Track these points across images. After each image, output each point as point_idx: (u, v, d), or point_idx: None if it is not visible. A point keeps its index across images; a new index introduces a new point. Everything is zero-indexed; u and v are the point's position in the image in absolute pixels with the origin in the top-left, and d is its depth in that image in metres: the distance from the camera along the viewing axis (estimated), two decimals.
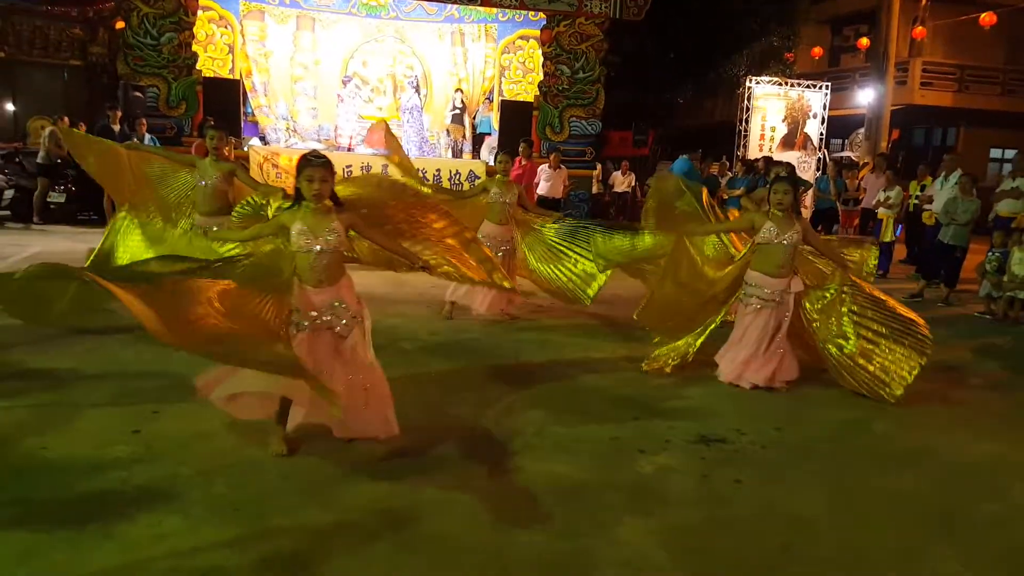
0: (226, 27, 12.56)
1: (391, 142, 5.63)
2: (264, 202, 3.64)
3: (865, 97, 17.12)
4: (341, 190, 3.35)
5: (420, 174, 10.96)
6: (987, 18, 14.35)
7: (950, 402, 4.57)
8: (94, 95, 15.60)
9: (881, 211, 9.95)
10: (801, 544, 2.73)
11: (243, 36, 12.72)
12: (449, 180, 11.96)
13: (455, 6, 12.69)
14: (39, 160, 10.00)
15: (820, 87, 16.14)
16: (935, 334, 4.40)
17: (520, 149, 9.35)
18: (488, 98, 13.76)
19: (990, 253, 7.64)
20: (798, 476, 3.34)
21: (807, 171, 15.11)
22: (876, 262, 5.24)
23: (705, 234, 4.87)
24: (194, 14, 11.52)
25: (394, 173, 5.46)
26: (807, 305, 4.56)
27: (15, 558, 2.33)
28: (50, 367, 4.14)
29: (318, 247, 3.10)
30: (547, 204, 10.06)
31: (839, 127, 18.85)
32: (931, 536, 2.85)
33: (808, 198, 11.98)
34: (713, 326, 4.81)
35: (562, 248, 5.76)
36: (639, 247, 5.08)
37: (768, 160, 10.93)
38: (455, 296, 5.75)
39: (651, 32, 17.44)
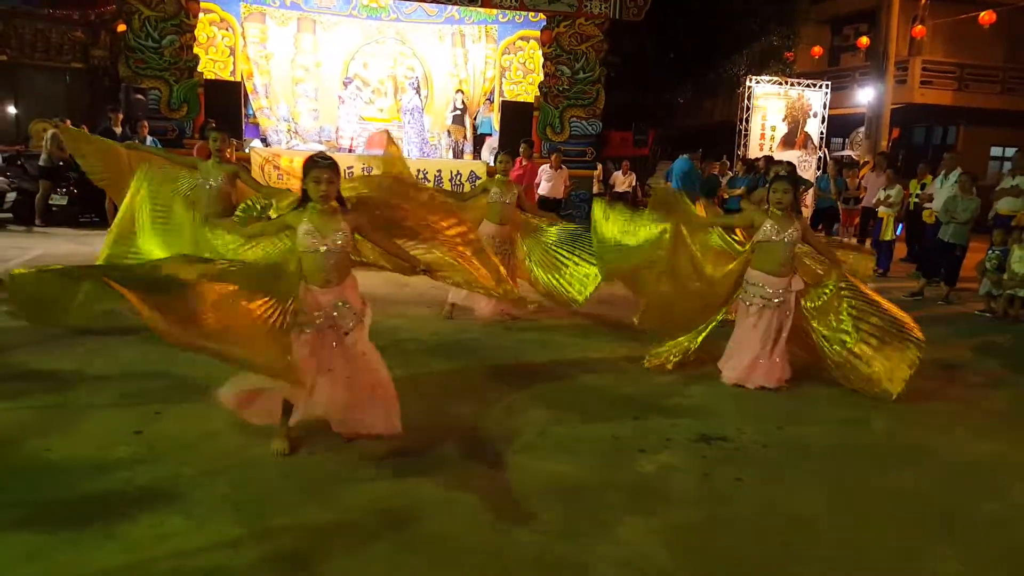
0: (227, 29, 12.59)
1: (392, 151, 5.65)
2: (267, 203, 3.67)
3: (865, 96, 17.11)
4: (349, 191, 3.37)
5: (421, 175, 11.01)
6: (986, 17, 14.35)
7: (950, 400, 4.58)
8: (96, 98, 15.63)
9: (881, 210, 9.96)
10: (801, 543, 2.74)
11: (244, 38, 12.76)
12: (450, 181, 11.99)
13: (455, 7, 12.71)
14: (41, 163, 10.02)
15: (820, 86, 16.14)
16: (935, 332, 4.41)
17: (521, 150, 9.36)
18: (489, 99, 13.78)
19: (990, 251, 7.64)
20: (799, 475, 3.35)
21: (808, 170, 15.11)
22: (872, 272, 5.25)
23: (704, 226, 4.88)
24: (195, 17, 11.54)
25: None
26: (806, 304, 4.57)
27: (19, 558, 2.35)
28: (53, 368, 4.16)
29: (325, 247, 3.12)
30: (548, 204, 10.08)
31: (839, 126, 18.85)
32: (931, 536, 2.86)
33: (809, 197, 11.99)
34: (714, 324, 4.84)
35: (561, 253, 5.76)
36: (639, 235, 4.92)
37: (769, 159, 10.94)
38: (456, 298, 5.77)
39: (651, 32, 17.46)
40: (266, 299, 3.04)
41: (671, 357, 4.80)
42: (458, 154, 13.42)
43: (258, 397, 3.20)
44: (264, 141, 12.71)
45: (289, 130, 13.11)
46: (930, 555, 2.72)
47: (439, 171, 12.04)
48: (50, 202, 10.14)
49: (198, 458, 3.10)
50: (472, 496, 2.91)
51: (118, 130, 10.01)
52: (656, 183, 16.29)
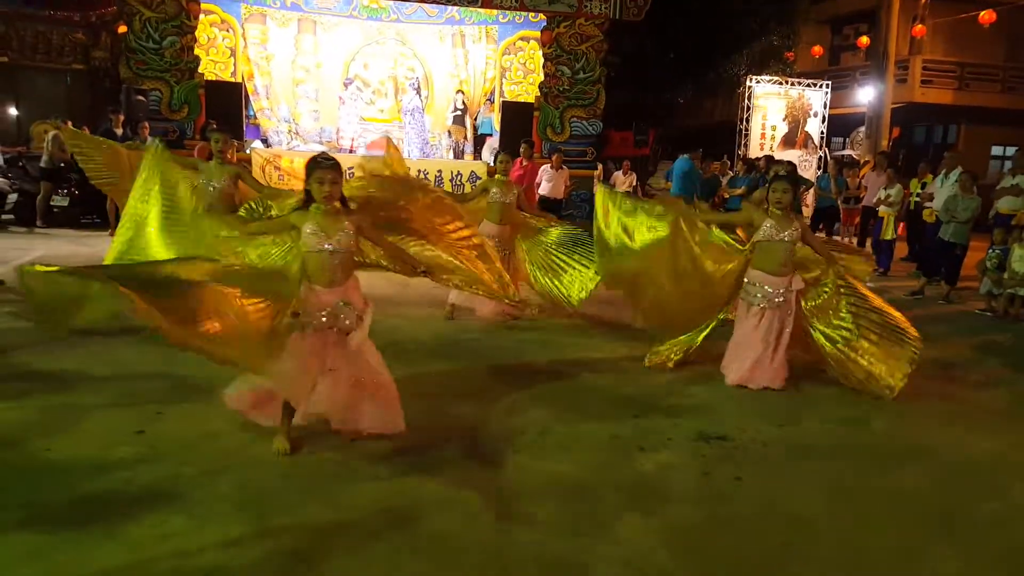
0: (228, 30, 12.61)
1: (392, 152, 5.65)
2: (269, 205, 3.69)
3: (865, 95, 17.11)
4: (358, 190, 3.39)
5: (421, 176, 11.01)
6: (986, 16, 14.34)
7: (951, 399, 4.58)
8: (97, 99, 15.65)
9: (882, 209, 9.96)
10: (801, 542, 2.75)
11: (245, 39, 12.77)
12: (451, 181, 12.00)
13: (456, 8, 12.72)
14: (42, 164, 10.04)
15: (820, 86, 16.16)
16: (936, 331, 4.42)
17: (521, 150, 9.36)
18: (489, 99, 13.79)
19: (990, 250, 7.65)
20: (798, 473, 3.35)
21: (808, 170, 15.12)
22: (870, 273, 5.26)
23: (704, 222, 4.88)
24: (196, 18, 11.56)
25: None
26: (806, 303, 4.58)
27: (21, 558, 2.36)
28: (54, 368, 4.17)
29: (331, 247, 3.14)
30: (549, 204, 10.09)
31: (840, 126, 18.85)
32: (931, 535, 2.86)
33: (809, 197, 11.99)
34: (714, 323, 4.84)
35: (560, 256, 5.77)
36: (640, 230, 4.88)
37: (769, 159, 10.94)
38: (457, 299, 5.77)
39: (651, 32, 17.48)
40: (265, 301, 3.06)
41: (672, 355, 4.81)
42: (459, 154, 13.43)
43: (267, 398, 3.21)
44: (265, 142, 12.73)
45: (290, 131, 13.13)
46: (930, 554, 2.72)
47: (439, 171, 12.05)
48: (51, 203, 10.16)
49: (199, 458, 3.11)
50: (473, 495, 2.92)
51: (119, 131, 10.03)
52: (657, 183, 16.31)
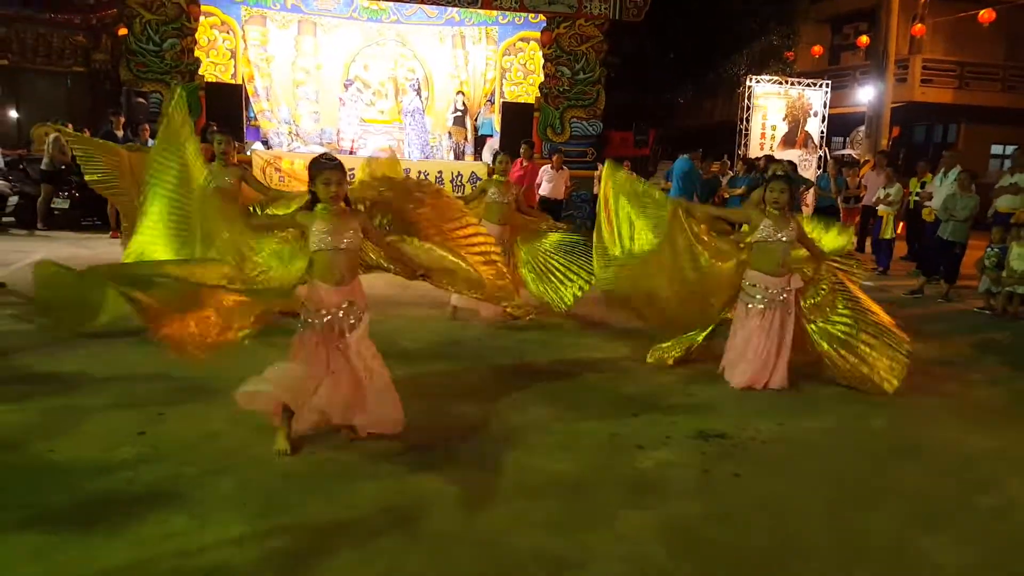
0: (228, 32, 12.64)
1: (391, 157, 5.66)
2: (269, 212, 3.73)
3: (865, 95, 17.12)
4: (370, 192, 3.42)
5: (422, 177, 11.02)
6: (986, 15, 14.35)
7: (950, 397, 4.59)
8: (97, 102, 15.68)
9: (881, 208, 9.98)
10: (799, 537, 2.76)
11: (245, 41, 12.80)
12: (451, 182, 12.01)
13: (455, 9, 12.74)
14: (43, 166, 10.06)
15: (820, 85, 16.15)
16: (935, 329, 4.44)
17: (521, 150, 9.38)
18: (489, 100, 13.81)
19: (989, 249, 7.66)
20: (797, 470, 3.37)
21: (808, 169, 15.12)
22: (863, 279, 5.28)
23: (702, 215, 4.89)
24: (196, 20, 11.59)
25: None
26: (804, 301, 4.59)
27: (24, 558, 2.37)
28: (56, 370, 4.19)
29: (342, 246, 3.17)
30: (549, 205, 10.10)
31: (840, 125, 18.86)
32: (928, 528, 2.88)
33: (809, 196, 12.00)
34: (714, 325, 4.86)
35: (556, 262, 5.79)
36: (651, 214, 4.84)
37: (769, 158, 10.95)
38: (459, 300, 5.78)
39: (651, 33, 17.52)
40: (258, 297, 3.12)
41: (672, 353, 4.84)
42: (459, 155, 13.45)
43: (317, 393, 3.20)
44: (265, 144, 12.75)
45: (290, 132, 13.15)
46: (927, 547, 2.74)
47: (440, 172, 12.07)
48: (52, 206, 10.18)
49: (200, 458, 3.13)
50: (473, 493, 2.94)
51: (120, 133, 10.05)
52: (657, 184, 16.30)
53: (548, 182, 10.63)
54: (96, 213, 10.30)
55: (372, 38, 13.42)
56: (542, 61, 12.91)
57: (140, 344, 4.76)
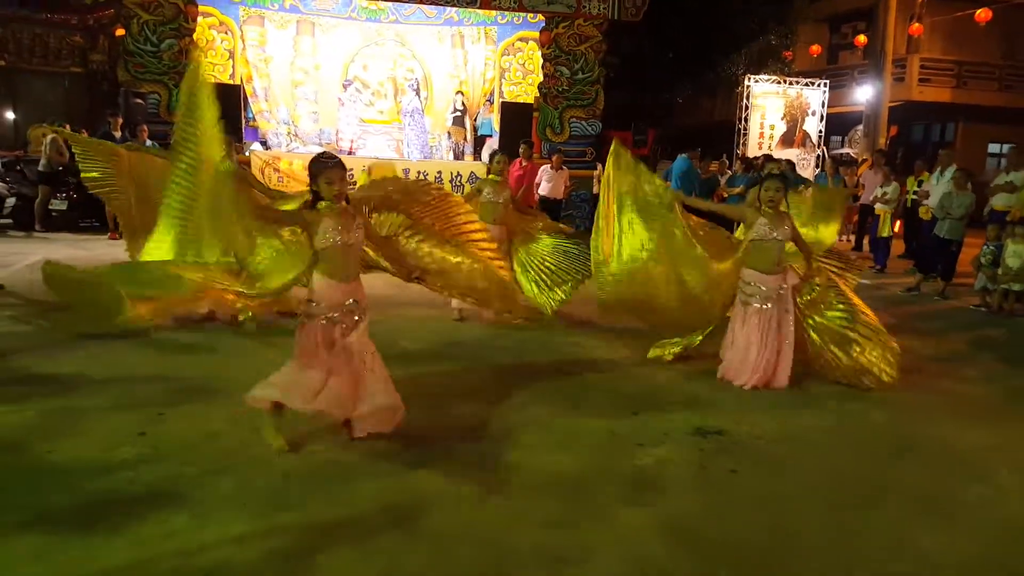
0: (226, 33, 12.63)
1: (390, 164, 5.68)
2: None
3: (863, 94, 17.15)
4: (367, 191, 3.44)
5: (421, 177, 11.04)
6: (982, 14, 14.39)
7: (946, 393, 4.62)
8: (95, 102, 15.67)
9: (879, 207, 10.01)
10: (795, 530, 2.79)
11: (243, 41, 12.79)
12: (451, 182, 12.02)
13: (454, 9, 12.75)
14: (40, 168, 10.06)
15: (818, 85, 16.18)
16: (932, 327, 4.46)
17: (520, 150, 9.38)
18: (489, 100, 13.82)
19: (985, 247, 7.68)
20: (795, 467, 3.39)
21: (806, 168, 15.14)
22: (858, 282, 5.31)
23: (698, 208, 4.90)
24: (194, 20, 11.59)
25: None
26: (800, 298, 4.61)
27: (25, 558, 2.38)
28: (55, 372, 4.19)
29: (351, 242, 3.20)
30: (548, 205, 10.11)
31: (838, 124, 18.88)
32: (922, 518, 2.93)
33: None
34: (714, 324, 4.88)
35: (548, 266, 5.80)
36: (655, 214, 4.77)
37: (768, 158, 10.96)
38: (461, 304, 5.79)
39: (649, 33, 17.52)
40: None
41: (673, 349, 4.90)
42: (458, 155, 13.46)
43: (321, 393, 3.20)
44: (264, 144, 12.75)
45: (289, 133, 13.15)
46: (920, 536, 2.78)
47: (439, 172, 12.08)
48: (50, 207, 10.18)
49: (201, 458, 3.14)
50: (473, 491, 2.95)
51: (117, 134, 10.05)
52: None
53: (547, 182, 10.64)
54: (94, 214, 10.29)
55: (371, 38, 13.42)
56: (541, 61, 12.92)
57: (139, 345, 4.78)
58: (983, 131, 19.19)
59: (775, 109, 16.04)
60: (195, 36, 11.68)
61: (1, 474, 2.95)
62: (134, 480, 2.92)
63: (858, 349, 4.47)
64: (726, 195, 10.83)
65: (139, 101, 11.15)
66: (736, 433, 3.73)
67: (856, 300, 4.66)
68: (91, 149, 5.71)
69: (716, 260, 4.59)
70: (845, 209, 5.28)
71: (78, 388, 3.96)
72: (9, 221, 10.22)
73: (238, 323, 5.27)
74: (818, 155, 15.91)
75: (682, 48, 19.69)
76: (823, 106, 16.03)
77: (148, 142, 10.07)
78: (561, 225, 6.48)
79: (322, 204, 3.19)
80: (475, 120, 13.80)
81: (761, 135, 15.99)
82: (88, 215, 10.45)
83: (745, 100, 15.78)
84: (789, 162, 9.87)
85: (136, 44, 11.27)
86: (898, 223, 10.87)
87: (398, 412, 3.36)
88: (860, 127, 17.67)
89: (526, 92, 13.37)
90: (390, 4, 12.87)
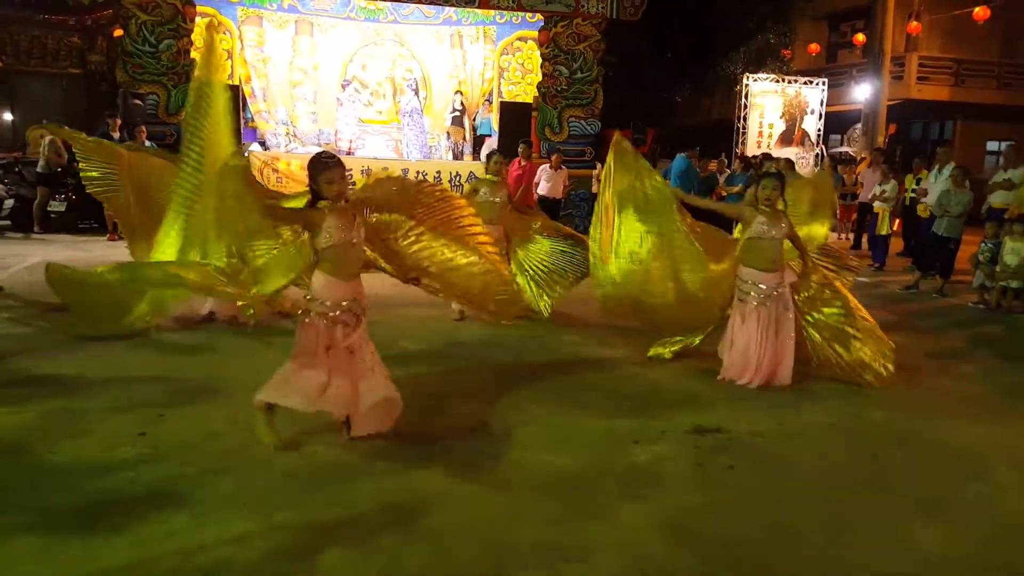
0: (224, 33, 12.62)
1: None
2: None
3: (862, 92, 17.17)
4: (370, 190, 3.45)
5: (421, 177, 11.03)
6: (981, 12, 14.41)
7: (944, 390, 4.64)
8: (93, 103, 15.64)
9: (877, 205, 10.03)
10: (790, 523, 2.81)
11: (242, 42, 12.79)
12: (450, 182, 12.02)
13: (453, 9, 12.75)
14: (39, 169, 10.06)
15: (817, 83, 16.20)
16: (931, 324, 4.47)
17: (520, 150, 9.38)
18: (488, 100, 13.81)
19: (983, 244, 7.71)
20: (791, 461, 3.41)
21: (805, 167, 15.15)
22: (854, 281, 5.33)
23: (696, 206, 4.89)
24: (192, 21, 11.57)
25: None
26: (798, 295, 4.62)
27: (28, 557, 2.39)
28: (55, 373, 4.19)
29: (354, 240, 3.21)
30: (547, 204, 10.12)
31: (836, 123, 18.89)
32: (917, 513, 2.94)
33: None
34: (713, 325, 4.89)
35: (543, 269, 5.81)
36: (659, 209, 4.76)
37: (767, 156, 10.98)
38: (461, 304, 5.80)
39: (648, 32, 17.49)
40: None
41: (672, 347, 4.92)
42: (458, 155, 13.46)
43: (323, 393, 3.22)
44: (263, 145, 12.74)
45: (288, 133, 13.14)
46: (915, 531, 2.80)
47: (438, 172, 12.08)
48: (48, 209, 10.18)
49: (201, 458, 3.14)
50: (473, 489, 2.96)
51: (116, 135, 10.05)
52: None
53: (547, 181, 10.65)
54: (93, 216, 10.29)
55: (369, 38, 13.41)
56: (540, 60, 12.92)
57: (139, 346, 4.79)
58: (981, 129, 19.22)
59: (774, 108, 16.06)
60: (193, 37, 11.67)
61: (2, 474, 2.96)
62: (134, 480, 2.93)
63: (857, 345, 4.49)
64: (725, 194, 10.84)
65: (138, 102, 11.14)
66: (733, 430, 3.74)
67: (851, 298, 4.67)
68: (91, 148, 5.70)
69: (714, 260, 4.60)
70: (834, 198, 5.28)
71: (78, 389, 3.96)
72: (7, 223, 10.22)
73: (240, 321, 5.30)
74: (817, 153, 15.92)
75: (681, 47, 19.68)
76: (822, 104, 16.05)
77: (147, 143, 10.08)
78: (559, 225, 6.48)
79: (323, 203, 3.19)
80: (474, 120, 13.80)
81: (760, 134, 16.01)
82: (87, 217, 10.45)
83: (744, 99, 15.80)
84: (788, 161, 9.88)
85: (134, 45, 11.26)
86: (897, 221, 10.89)
87: (397, 406, 3.36)
88: (859, 125, 17.68)
89: (525, 92, 13.36)
90: (388, 4, 12.86)
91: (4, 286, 6.30)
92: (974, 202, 8.15)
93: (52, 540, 2.48)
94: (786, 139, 16.17)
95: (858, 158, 14.92)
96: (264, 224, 3.40)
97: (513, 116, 12.74)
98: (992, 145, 19.40)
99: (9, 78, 16.39)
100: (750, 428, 3.78)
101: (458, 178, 12.12)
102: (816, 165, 15.15)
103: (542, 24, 12.72)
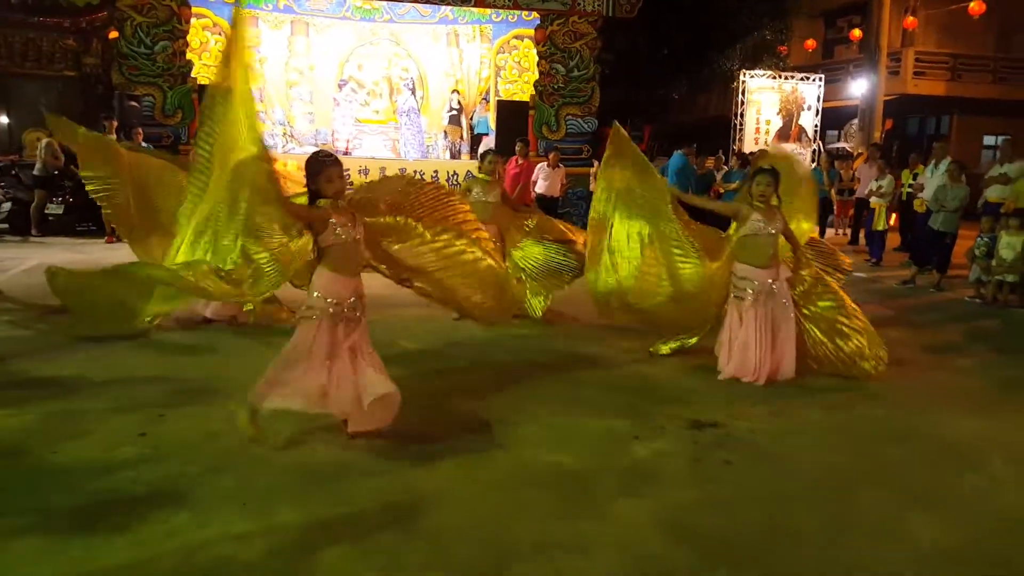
0: (220, 34, 12.60)
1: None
2: None
3: (859, 88, 17.18)
4: (374, 189, 3.47)
5: (418, 176, 11.03)
6: (976, 7, 14.42)
7: (940, 383, 4.66)
8: (89, 106, 15.59)
9: (874, 200, 10.05)
10: (788, 517, 2.83)
11: None
12: (448, 181, 12.02)
13: (449, 7, 12.74)
14: (36, 172, 10.04)
15: (814, 79, 16.22)
16: (927, 318, 4.49)
17: (517, 148, 9.40)
18: (484, 98, 13.81)
19: (979, 238, 7.73)
20: (788, 456, 3.42)
21: (803, 163, 15.16)
22: (847, 278, 5.35)
23: (692, 204, 4.92)
24: (188, 22, 11.56)
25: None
26: (794, 290, 4.63)
27: (29, 558, 2.40)
28: (55, 375, 4.20)
29: (358, 237, 3.24)
30: (545, 202, 10.13)
31: (833, 118, 18.92)
32: (914, 506, 2.96)
33: None
34: (710, 324, 4.91)
35: (539, 267, 5.82)
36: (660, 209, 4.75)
37: (764, 153, 10.99)
38: None
39: (644, 29, 17.49)
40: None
41: (671, 345, 4.97)
42: (455, 154, 13.46)
43: (325, 394, 3.24)
44: None
45: (285, 134, 13.14)
46: (912, 523, 2.82)
47: (436, 172, 12.08)
48: (46, 211, 10.16)
49: (202, 457, 3.16)
50: (473, 487, 2.98)
51: (112, 137, 10.04)
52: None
53: (544, 180, 10.66)
54: (91, 219, 10.26)
55: (366, 38, 13.40)
56: (536, 59, 12.92)
57: (139, 347, 4.80)
58: (978, 123, 19.24)
59: (771, 104, 16.08)
60: (188, 38, 11.66)
61: (2, 475, 2.97)
62: (135, 480, 2.94)
63: (853, 337, 4.51)
64: (722, 191, 10.87)
65: (134, 104, 11.12)
66: (731, 425, 3.76)
67: (842, 294, 4.69)
68: (90, 143, 5.68)
69: (709, 258, 4.62)
70: (815, 193, 5.28)
71: (78, 390, 3.97)
72: (5, 226, 10.21)
73: (240, 321, 5.32)
74: (814, 149, 15.95)
75: (677, 44, 19.67)
76: (818, 100, 16.07)
77: (143, 145, 10.07)
78: (555, 221, 6.47)
79: (322, 202, 3.20)
80: (471, 119, 13.80)
81: (757, 130, 16.03)
82: (84, 219, 10.42)
83: (740, 95, 15.82)
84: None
85: (130, 47, 11.24)
86: (893, 216, 10.91)
87: (396, 402, 3.37)
88: (855, 121, 17.70)
89: (522, 90, 13.36)
90: (384, 3, 12.85)
91: (3, 289, 6.30)
92: (970, 197, 8.18)
93: (53, 540, 2.49)
94: (783, 135, 16.20)
95: (855, 154, 14.92)
96: (284, 216, 3.32)
97: (510, 115, 12.74)
98: (988, 140, 19.42)
99: (4, 81, 16.35)
100: (748, 424, 3.80)
101: (455, 177, 12.12)
102: (813, 161, 15.17)
103: (538, 22, 12.71)
